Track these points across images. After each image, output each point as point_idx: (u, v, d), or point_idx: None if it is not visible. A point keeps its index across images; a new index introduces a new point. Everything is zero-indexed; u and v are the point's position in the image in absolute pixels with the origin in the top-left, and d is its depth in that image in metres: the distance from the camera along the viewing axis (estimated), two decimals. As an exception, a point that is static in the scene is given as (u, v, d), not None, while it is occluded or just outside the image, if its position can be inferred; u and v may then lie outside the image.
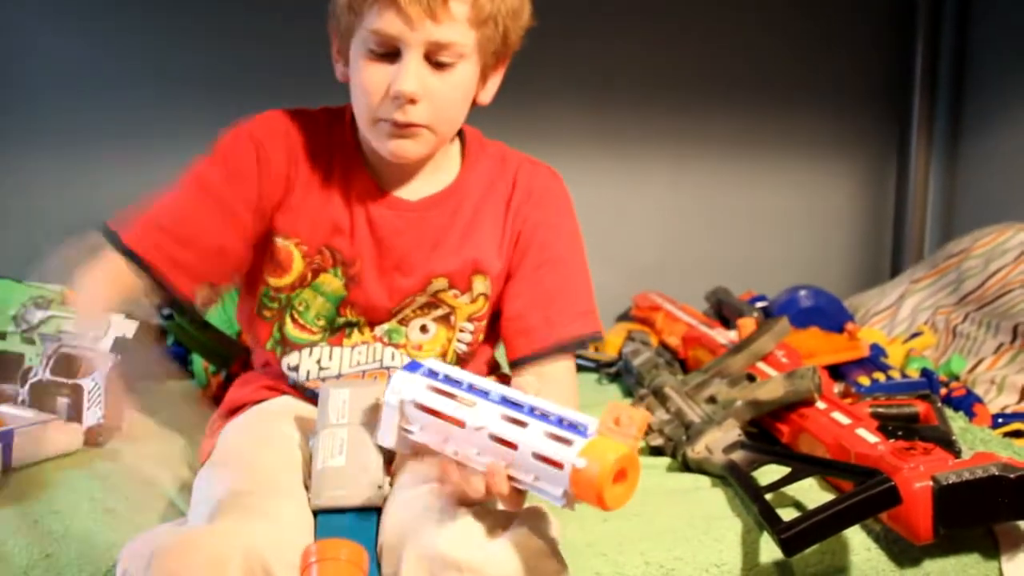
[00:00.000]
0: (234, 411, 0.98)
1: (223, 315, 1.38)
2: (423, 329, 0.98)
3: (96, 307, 0.93)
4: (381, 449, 0.81)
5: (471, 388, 0.74)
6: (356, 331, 0.97)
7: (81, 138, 1.72)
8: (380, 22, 0.83)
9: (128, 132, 1.73)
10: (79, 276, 0.87)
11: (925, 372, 1.39)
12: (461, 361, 1.00)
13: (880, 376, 1.37)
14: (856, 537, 0.93)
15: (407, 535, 0.73)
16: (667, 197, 2.04)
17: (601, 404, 0.72)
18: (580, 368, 1.39)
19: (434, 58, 0.85)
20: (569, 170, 1.03)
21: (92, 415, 1.10)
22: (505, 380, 0.99)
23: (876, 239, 2.17)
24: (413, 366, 0.78)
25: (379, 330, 0.98)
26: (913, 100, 2.04)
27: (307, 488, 0.81)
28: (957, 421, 1.22)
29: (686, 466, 1.10)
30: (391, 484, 0.83)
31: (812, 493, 1.00)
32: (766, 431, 1.19)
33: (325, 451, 0.81)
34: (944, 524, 0.88)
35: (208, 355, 1.32)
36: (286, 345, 0.97)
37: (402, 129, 0.87)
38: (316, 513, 0.80)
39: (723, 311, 1.71)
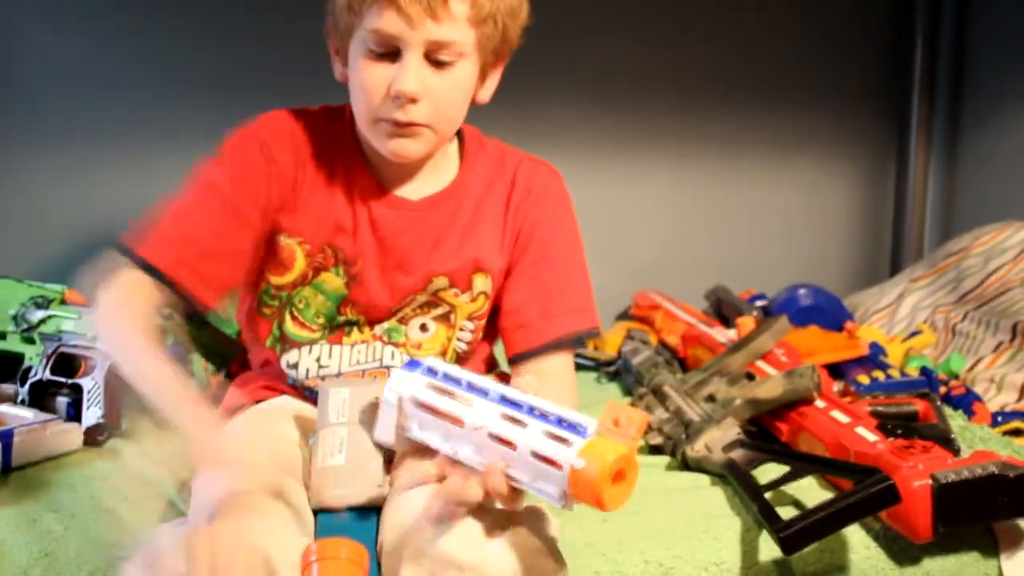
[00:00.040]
0: (233, 411, 0.98)
1: (221, 314, 1.38)
2: (423, 328, 0.98)
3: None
4: (381, 448, 0.81)
5: (470, 387, 0.74)
6: (356, 329, 0.97)
7: (81, 138, 1.72)
8: (380, 22, 0.83)
9: (128, 132, 1.73)
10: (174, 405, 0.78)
11: (924, 371, 1.39)
12: (460, 360, 1.00)
13: (879, 375, 1.37)
14: (855, 536, 0.93)
15: (407, 534, 0.73)
16: (667, 196, 2.04)
17: (600, 403, 0.72)
18: (579, 367, 1.40)
19: (434, 57, 0.85)
20: (569, 169, 1.03)
21: (92, 415, 1.10)
22: (503, 378, 0.99)
23: (875, 238, 2.17)
24: (412, 364, 0.78)
25: (379, 329, 0.98)
26: (912, 99, 2.04)
27: (307, 487, 0.81)
28: (956, 419, 1.22)
29: (685, 465, 1.10)
30: (391, 483, 0.83)
31: (811, 492, 1.00)
32: (765, 430, 1.19)
33: (325, 450, 0.81)
34: (943, 522, 0.88)
35: (208, 354, 1.32)
36: (285, 342, 0.97)
37: (403, 128, 0.87)
38: (316, 512, 0.80)
39: (722, 310, 1.71)
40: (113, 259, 0.87)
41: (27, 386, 1.14)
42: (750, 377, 1.23)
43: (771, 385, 1.16)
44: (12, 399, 1.15)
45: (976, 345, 1.56)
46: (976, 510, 0.90)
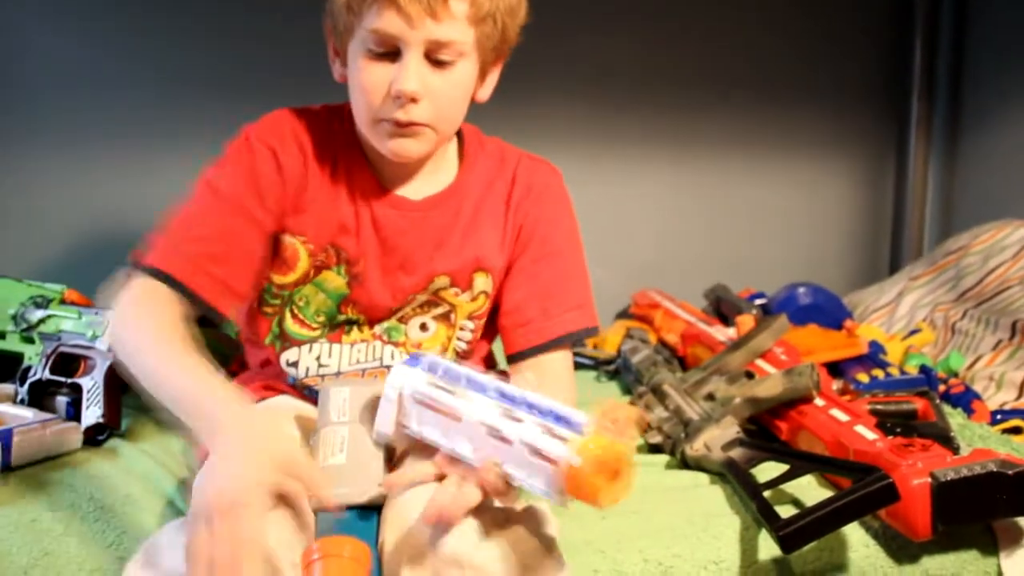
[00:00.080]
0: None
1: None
2: (423, 327, 0.98)
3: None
4: (382, 447, 0.81)
5: (469, 383, 0.75)
6: (355, 328, 0.98)
7: (81, 138, 1.72)
8: (380, 21, 0.83)
9: (128, 132, 1.73)
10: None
11: (924, 369, 1.39)
12: (460, 359, 1.00)
13: (879, 373, 1.37)
14: (855, 534, 0.93)
15: (408, 534, 0.73)
16: (666, 195, 2.04)
17: (600, 402, 0.72)
18: (579, 366, 1.40)
19: (434, 56, 0.85)
20: (568, 168, 1.03)
21: (92, 415, 1.10)
22: (503, 376, 0.99)
23: (875, 236, 2.17)
24: (413, 360, 0.78)
25: (378, 328, 0.98)
26: (912, 99, 2.05)
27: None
28: (955, 418, 1.22)
29: (684, 463, 1.10)
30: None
31: (810, 490, 1.00)
32: (765, 428, 1.19)
33: (325, 449, 0.81)
34: (943, 521, 0.88)
35: (207, 354, 1.32)
36: (285, 340, 0.97)
37: (403, 128, 0.87)
38: (316, 512, 0.80)
39: (722, 308, 1.71)
40: (129, 272, 0.87)
41: (27, 386, 1.14)
42: (749, 376, 1.23)
43: (770, 384, 1.16)
44: (12, 399, 1.16)
45: (975, 343, 1.56)
46: (975, 508, 0.90)
